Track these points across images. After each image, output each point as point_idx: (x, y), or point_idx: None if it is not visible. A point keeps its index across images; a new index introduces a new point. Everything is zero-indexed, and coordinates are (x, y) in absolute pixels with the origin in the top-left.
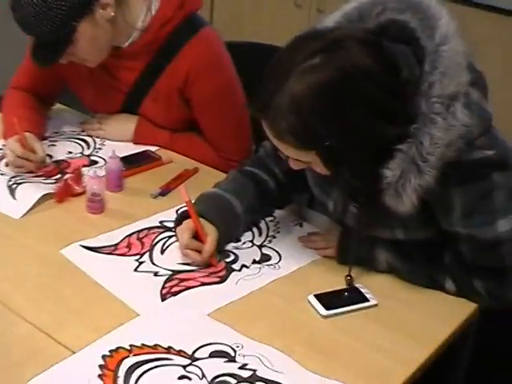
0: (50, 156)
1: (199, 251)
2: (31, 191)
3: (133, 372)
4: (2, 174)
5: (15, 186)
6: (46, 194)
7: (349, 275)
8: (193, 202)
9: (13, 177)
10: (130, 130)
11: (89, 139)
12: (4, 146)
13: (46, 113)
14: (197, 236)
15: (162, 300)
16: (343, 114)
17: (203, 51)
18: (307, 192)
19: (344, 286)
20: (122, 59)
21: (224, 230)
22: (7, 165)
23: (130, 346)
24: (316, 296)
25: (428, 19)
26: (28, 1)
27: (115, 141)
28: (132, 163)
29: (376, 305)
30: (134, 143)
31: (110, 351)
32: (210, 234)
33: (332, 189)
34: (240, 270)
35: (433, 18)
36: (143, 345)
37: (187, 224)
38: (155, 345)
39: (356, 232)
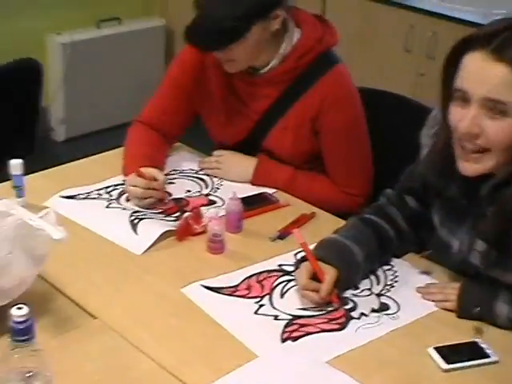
0: (170, 194)
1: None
2: (153, 227)
3: None
4: (124, 209)
5: (137, 221)
6: (166, 231)
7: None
8: (312, 247)
9: (134, 212)
10: (248, 170)
11: (207, 178)
12: (124, 181)
13: (167, 151)
14: (316, 278)
15: (282, 345)
16: None
17: (338, 85)
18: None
19: (463, 340)
20: (257, 86)
21: (345, 275)
22: (128, 200)
23: None
24: (436, 349)
25: None
26: None
27: (232, 181)
28: (250, 205)
29: (497, 361)
30: (252, 184)
31: None
32: (329, 272)
33: (460, 228)
34: (359, 318)
35: None
36: None
37: (305, 266)
38: None
39: (481, 272)
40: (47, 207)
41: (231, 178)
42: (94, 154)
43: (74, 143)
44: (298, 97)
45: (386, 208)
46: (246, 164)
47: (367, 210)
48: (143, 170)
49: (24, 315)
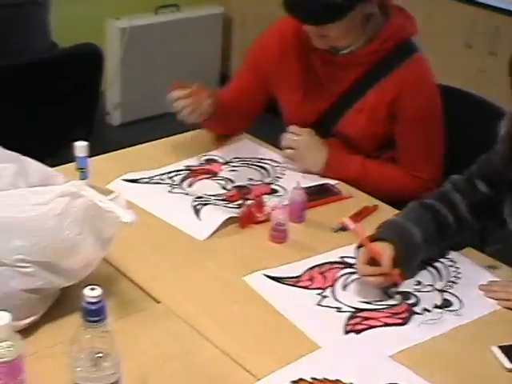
0: (232, 181)
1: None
2: (216, 213)
3: None
4: (186, 194)
5: (200, 206)
6: (229, 218)
7: None
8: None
9: (197, 197)
10: (320, 161)
11: (269, 167)
12: (186, 167)
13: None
14: (376, 263)
15: (345, 337)
16: None
17: (419, 71)
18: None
19: None
20: (336, 67)
21: (404, 252)
22: (190, 185)
23: (312, 378)
24: (500, 347)
25: None
26: None
27: (302, 169)
28: (313, 195)
29: None
30: (321, 176)
31: (293, 382)
32: (385, 250)
33: None
34: (422, 314)
35: None
36: (325, 379)
37: (361, 251)
38: (336, 380)
39: None
40: (110, 190)
41: (304, 166)
42: (148, 140)
43: (128, 128)
44: (378, 80)
45: (450, 194)
46: (321, 155)
47: (429, 195)
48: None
49: (97, 296)
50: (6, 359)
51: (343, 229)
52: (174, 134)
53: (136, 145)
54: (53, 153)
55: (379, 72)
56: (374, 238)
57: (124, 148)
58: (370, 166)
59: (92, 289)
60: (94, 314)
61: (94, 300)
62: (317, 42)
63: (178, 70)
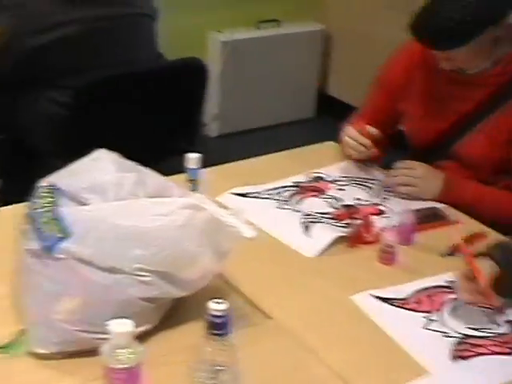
0: (340, 199)
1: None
2: (325, 232)
3: None
4: (295, 211)
5: (309, 223)
6: (338, 237)
7: None
8: None
9: (306, 215)
10: (438, 188)
11: (375, 188)
12: (294, 182)
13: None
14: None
15: (453, 363)
16: None
17: None
18: None
19: None
20: (460, 86)
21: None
22: (298, 202)
23: None
24: None
25: None
26: None
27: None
28: (421, 218)
29: None
30: (437, 201)
31: None
32: (487, 268)
33: None
34: None
35: None
36: None
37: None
38: None
39: None
40: (225, 204)
41: (421, 197)
42: (245, 152)
43: (225, 140)
44: (502, 103)
45: None
46: (438, 182)
47: None
48: (368, 127)
49: (222, 310)
50: (126, 366)
51: (451, 254)
52: (274, 149)
53: (233, 156)
54: (156, 162)
55: (504, 95)
56: (480, 253)
57: (220, 159)
58: (485, 192)
59: (218, 302)
60: (218, 328)
61: (219, 314)
62: (443, 64)
63: (277, 85)
